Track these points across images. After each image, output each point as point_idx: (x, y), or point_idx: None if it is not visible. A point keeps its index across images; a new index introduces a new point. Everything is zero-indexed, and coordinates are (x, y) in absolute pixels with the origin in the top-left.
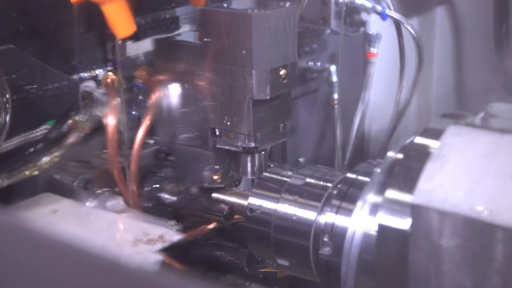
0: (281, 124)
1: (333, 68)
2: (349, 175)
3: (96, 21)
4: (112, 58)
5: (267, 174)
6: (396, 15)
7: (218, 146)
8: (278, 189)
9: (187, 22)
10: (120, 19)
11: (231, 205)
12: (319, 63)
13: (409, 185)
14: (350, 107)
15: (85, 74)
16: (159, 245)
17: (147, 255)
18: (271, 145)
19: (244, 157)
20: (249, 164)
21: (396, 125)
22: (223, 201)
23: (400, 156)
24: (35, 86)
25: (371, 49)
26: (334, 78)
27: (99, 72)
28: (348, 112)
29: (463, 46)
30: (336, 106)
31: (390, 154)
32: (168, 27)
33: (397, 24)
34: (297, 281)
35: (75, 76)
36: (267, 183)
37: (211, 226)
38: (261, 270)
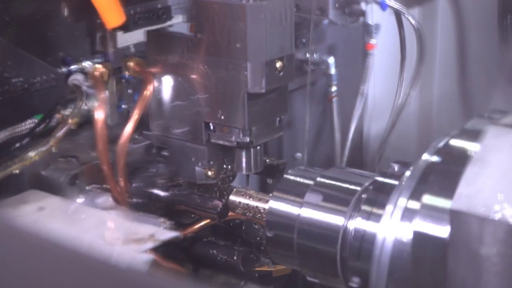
0: (277, 118)
1: (331, 60)
2: (378, 178)
3: (84, 11)
4: (100, 49)
5: (289, 177)
6: (396, 5)
7: (212, 140)
8: (301, 193)
9: (179, 12)
10: (109, 9)
11: (225, 202)
12: (317, 55)
13: (447, 190)
14: (349, 101)
15: (72, 66)
16: (150, 244)
17: (137, 254)
18: (267, 140)
19: (238, 152)
20: (243, 160)
21: (397, 120)
22: (241, 205)
23: (435, 159)
24: (21, 79)
25: (371, 40)
26: (333, 71)
27: (87, 64)
28: (347, 105)
29: (466, 38)
30: (334, 100)
31: (424, 157)
32: (159, 17)
33: (398, 15)
34: (292, 281)
35: (63, 69)
36: (288, 186)
37: (204, 223)
38: (256, 269)
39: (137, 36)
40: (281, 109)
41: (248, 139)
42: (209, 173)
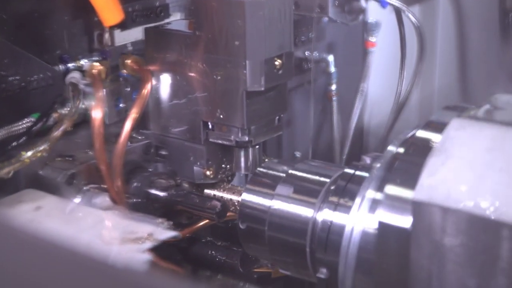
0: (276, 117)
1: (331, 58)
2: (347, 170)
3: (82, 8)
4: (98, 47)
5: (261, 169)
6: (397, 3)
7: (210, 140)
8: (272, 185)
9: (177, 10)
10: (106, 6)
11: (224, 202)
12: (316, 53)
13: (410, 180)
14: (349, 99)
15: (70, 65)
16: (148, 244)
17: (136, 254)
18: (266, 139)
19: (237, 152)
20: (242, 159)
21: (397, 118)
22: (216, 198)
23: (401, 150)
24: (18, 77)
25: (370, 38)
26: (332, 69)
27: (84, 62)
28: (347, 104)
29: (467, 35)
30: (334, 98)
31: (391, 148)
32: (157, 15)
33: (398, 12)
34: (292, 282)
35: (61, 67)
36: (261, 179)
37: (203, 223)
38: (255, 270)
39: (135, 34)
40: (281, 108)
41: (247, 138)
42: (208, 172)
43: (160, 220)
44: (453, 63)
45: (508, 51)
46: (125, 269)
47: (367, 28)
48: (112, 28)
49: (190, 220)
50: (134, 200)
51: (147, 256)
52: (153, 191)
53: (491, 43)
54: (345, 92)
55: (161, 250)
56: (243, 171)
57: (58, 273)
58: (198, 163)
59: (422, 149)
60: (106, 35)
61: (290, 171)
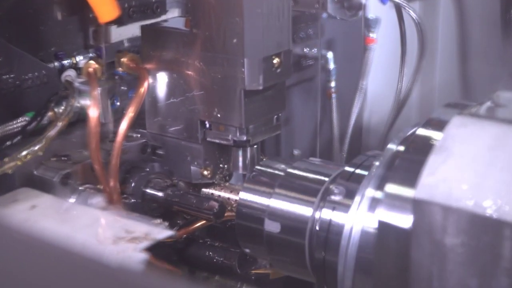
0: (275, 116)
1: (330, 54)
2: (346, 168)
3: (77, 4)
4: (93, 44)
5: (260, 168)
6: None
7: (208, 139)
8: (271, 184)
9: (174, 6)
10: (102, 2)
11: (222, 203)
12: (315, 50)
13: (411, 179)
14: (348, 96)
15: (65, 61)
16: (145, 243)
17: (132, 254)
18: (264, 138)
19: (235, 151)
20: (240, 159)
21: (397, 116)
22: (213, 197)
23: (401, 148)
24: (12, 76)
25: (370, 34)
26: (331, 65)
27: (79, 59)
28: (346, 101)
29: (468, 32)
30: (333, 95)
31: (391, 146)
32: (154, 11)
33: (398, 8)
34: (291, 283)
35: (56, 64)
36: (259, 177)
37: (200, 224)
38: (253, 271)
39: (132, 30)
40: (279, 107)
41: (245, 138)
42: (205, 172)
43: (157, 221)
44: (454, 60)
45: (509, 47)
46: (120, 268)
47: (367, 25)
48: (107, 24)
49: (187, 220)
50: (131, 200)
51: (144, 256)
52: (150, 191)
53: (492, 39)
54: (344, 89)
55: (158, 251)
56: (241, 171)
57: (53, 273)
58: (195, 163)
59: (423, 147)
60: (102, 32)
61: (288, 170)
